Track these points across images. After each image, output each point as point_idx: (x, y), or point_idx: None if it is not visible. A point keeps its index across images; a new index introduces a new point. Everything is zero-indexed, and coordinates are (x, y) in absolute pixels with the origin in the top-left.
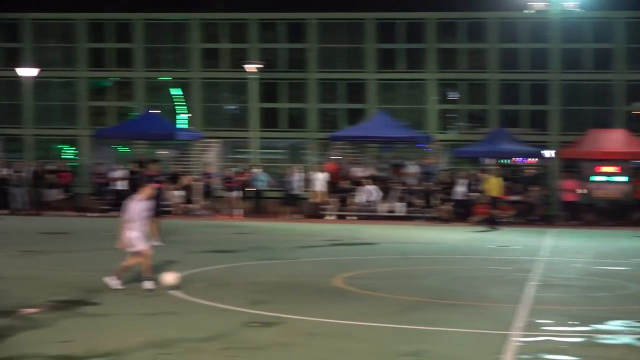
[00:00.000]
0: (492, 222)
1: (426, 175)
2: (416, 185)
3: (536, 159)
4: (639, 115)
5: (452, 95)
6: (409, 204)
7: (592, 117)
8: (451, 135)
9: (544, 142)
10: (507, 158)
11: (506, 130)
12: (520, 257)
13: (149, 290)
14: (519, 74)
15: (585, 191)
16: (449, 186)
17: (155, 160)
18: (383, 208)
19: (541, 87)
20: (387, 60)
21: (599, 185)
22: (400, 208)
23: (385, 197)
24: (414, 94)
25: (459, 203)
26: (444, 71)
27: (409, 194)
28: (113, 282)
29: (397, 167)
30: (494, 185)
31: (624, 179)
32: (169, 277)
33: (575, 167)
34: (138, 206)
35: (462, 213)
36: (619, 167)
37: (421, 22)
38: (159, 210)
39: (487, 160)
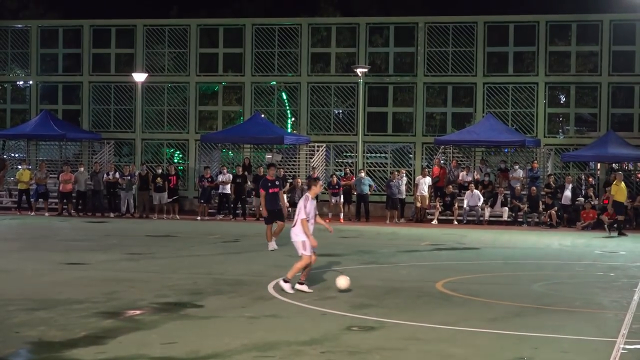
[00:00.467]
0: (619, 229)
1: (533, 179)
2: (522, 190)
3: None
4: None
5: (562, 99)
6: (515, 209)
7: None
8: (560, 139)
9: None
10: (617, 162)
11: (617, 134)
12: (627, 263)
13: (284, 291)
14: (631, 76)
15: None
16: (556, 191)
17: (272, 165)
18: (488, 213)
19: None
20: (496, 64)
21: None
22: (505, 213)
23: (491, 202)
24: (522, 98)
25: (565, 208)
26: (554, 74)
27: (514, 199)
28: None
29: (503, 172)
30: (622, 191)
31: None
32: (343, 281)
33: None
34: (310, 205)
35: (568, 218)
36: None
37: (532, 24)
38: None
39: (599, 165)
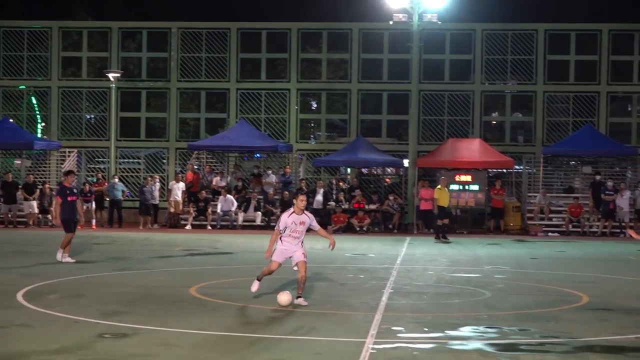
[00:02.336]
0: (443, 233)
1: (285, 184)
2: (275, 195)
3: (394, 168)
4: (494, 125)
5: (313, 105)
6: (268, 213)
7: (449, 126)
8: (311, 144)
9: (403, 151)
10: (366, 167)
11: (366, 139)
12: (376, 265)
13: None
14: (379, 84)
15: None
16: (308, 195)
17: (71, 172)
18: (241, 217)
19: (401, 97)
20: (249, 70)
21: (454, 194)
22: (259, 217)
23: (244, 207)
24: (275, 104)
25: (317, 212)
26: (305, 81)
27: (267, 203)
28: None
29: (256, 177)
30: (444, 196)
31: (477, 187)
32: (284, 297)
33: (432, 176)
34: (287, 219)
35: (320, 222)
36: (472, 176)
37: (284, 31)
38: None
39: (349, 170)
